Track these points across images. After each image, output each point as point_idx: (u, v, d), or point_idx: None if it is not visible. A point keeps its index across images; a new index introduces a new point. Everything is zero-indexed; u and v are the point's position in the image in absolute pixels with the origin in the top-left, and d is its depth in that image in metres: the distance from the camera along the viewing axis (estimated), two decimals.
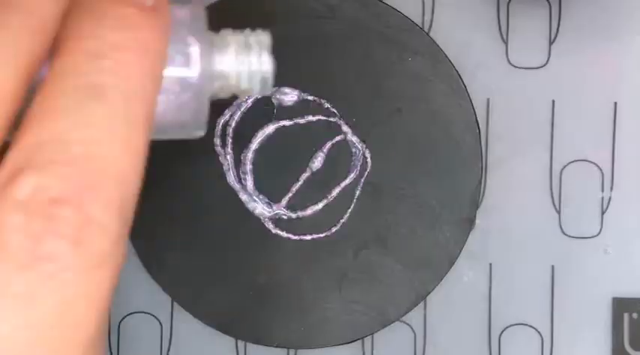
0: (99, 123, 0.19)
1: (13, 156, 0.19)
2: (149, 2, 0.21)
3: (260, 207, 0.44)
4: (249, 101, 0.44)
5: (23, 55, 0.20)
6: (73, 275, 0.19)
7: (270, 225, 0.44)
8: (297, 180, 0.44)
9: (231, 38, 0.25)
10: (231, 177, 0.44)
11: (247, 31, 0.25)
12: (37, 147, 0.19)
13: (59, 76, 0.20)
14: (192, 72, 0.23)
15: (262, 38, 0.25)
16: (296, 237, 0.44)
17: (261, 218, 0.44)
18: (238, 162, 0.44)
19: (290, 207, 0.44)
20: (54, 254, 0.18)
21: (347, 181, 0.44)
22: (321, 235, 0.44)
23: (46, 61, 0.20)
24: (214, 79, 0.24)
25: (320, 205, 0.44)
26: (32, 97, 0.20)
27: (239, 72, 0.25)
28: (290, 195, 0.44)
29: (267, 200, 0.44)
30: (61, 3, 0.21)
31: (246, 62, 0.25)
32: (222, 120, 0.44)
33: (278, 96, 0.44)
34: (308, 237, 0.44)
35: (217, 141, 0.44)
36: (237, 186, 0.44)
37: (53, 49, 0.20)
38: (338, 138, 0.44)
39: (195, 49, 0.23)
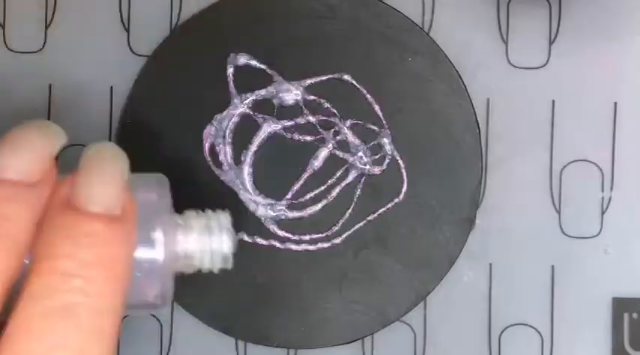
0: (70, 344, 0.20)
1: None
2: (116, 211, 0.22)
3: (260, 207, 0.44)
4: (249, 102, 0.44)
5: (1, 277, 0.21)
6: None
7: (270, 225, 0.44)
8: (298, 180, 0.44)
9: (194, 222, 0.26)
10: (231, 177, 0.44)
11: (209, 212, 0.27)
12: None
13: (33, 298, 0.21)
14: (158, 255, 0.24)
15: (222, 220, 0.27)
16: (296, 237, 0.44)
17: (261, 218, 0.44)
18: (238, 162, 0.44)
19: (290, 207, 0.44)
20: None
21: (347, 181, 0.44)
22: (321, 235, 0.44)
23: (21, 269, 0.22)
24: (178, 259, 0.25)
25: (320, 205, 0.44)
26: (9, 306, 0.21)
27: (202, 252, 0.26)
28: (290, 194, 0.44)
29: (267, 200, 0.44)
30: (34, 220, 0.22)
31: (207, 243, 0.26)
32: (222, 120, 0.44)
33: (280, 96, 0.44)
34: (307, 237, 0.44)
35: (217, 140, 0.44)
36: (237, 186, 0.44)
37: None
38: (338, 137, 0.44)
39: (159, 235, 0.24)
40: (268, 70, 0.44)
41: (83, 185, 0.22)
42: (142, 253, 0.24)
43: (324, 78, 0.44)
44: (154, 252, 0.24)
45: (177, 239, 0.25)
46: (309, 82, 0.44)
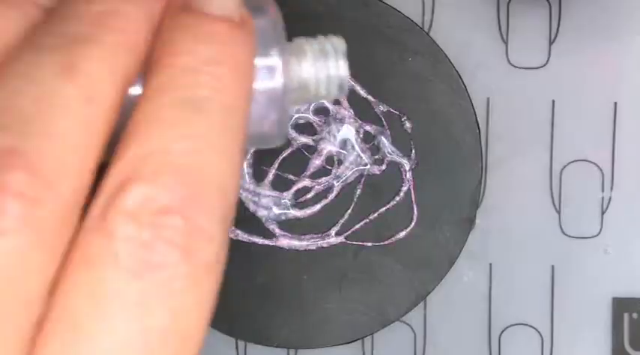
0: (200, 135, 0.20)
1: (118, 168, 0.19)
2: (236, 18, 0.21)
3: (260, 207, 0.44)
4: None
5: (119, 72, 0.20)
6: (183, 284, 0.19)
7: (270, 225, 0.44)
8: (298, 180, 0.44)
9: (308, 46, 0.25)
10: None
11: (321, 37, 0.26)
12: (143, 159, 0.19)
13: (158, 90, 0.20)
14: (276, 83, 0.23)
15: (337, 44, 0.25)
16: (296, 237, 0.44)
17: (262, 218, 0.44)
18: None
19: (290, 207, 0.44)
20: (165, 263, 0.19)
21: (347, 181, 0.44)
22: (321, 235, 0.44)
23: (137, 78, 0.21)
24: (295, 88, 0.24)
25: (320, 205, 0.44)
26: (123, 115, 0.20)
27: (318, 79, 0.25)
28: (290, 194, 0.44)
29: (267, 200, 0.44)
30: (153, 21, 0.21)
31: (323, 68, 0.25)
32: None
33: None
34: (307, 237, 0.44)
35: None
36: None
37: (145, 65, 0.21)
38: (339, 138, 0.44)
39: (277, 61, 0.23)
40: None
41: None
42: (260, 81, 0.23)
43: None
44: (272, 81, 0.23)
45: (292, 66, 0.24)
46: None
